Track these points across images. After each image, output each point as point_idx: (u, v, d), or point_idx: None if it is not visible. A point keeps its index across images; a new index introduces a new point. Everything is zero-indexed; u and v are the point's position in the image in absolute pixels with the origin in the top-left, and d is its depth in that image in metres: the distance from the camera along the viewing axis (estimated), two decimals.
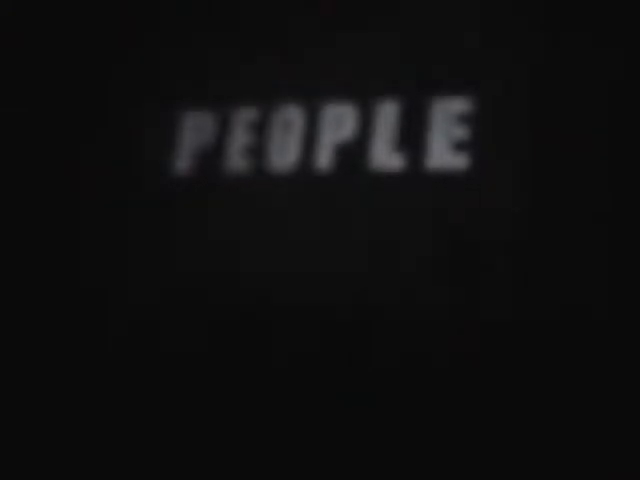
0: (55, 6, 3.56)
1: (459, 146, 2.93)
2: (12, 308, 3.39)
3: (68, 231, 3.47)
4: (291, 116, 3.22)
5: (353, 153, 3.09)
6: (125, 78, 3.53)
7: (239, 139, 3.30)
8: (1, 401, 3.27)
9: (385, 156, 3.05)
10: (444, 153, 2.95)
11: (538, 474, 2.57)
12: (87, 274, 3.38)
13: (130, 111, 3.49)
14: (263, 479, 2.91)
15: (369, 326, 2.89)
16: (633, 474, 2.47)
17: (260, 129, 3.27)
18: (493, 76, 2.91)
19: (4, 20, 3.58)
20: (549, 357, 2.62)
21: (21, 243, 3.49)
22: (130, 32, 3.53)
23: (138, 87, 3.52)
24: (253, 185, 3.23)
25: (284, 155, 3.20)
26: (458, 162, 2.92)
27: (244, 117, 3.31)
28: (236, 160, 3.27)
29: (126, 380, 3.20)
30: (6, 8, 3.58)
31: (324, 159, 3.13)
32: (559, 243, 2.69)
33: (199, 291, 3.19)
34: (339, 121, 3.15)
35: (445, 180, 2.91)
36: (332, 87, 3.17)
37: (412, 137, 3.00)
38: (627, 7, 2.74)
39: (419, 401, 2.78)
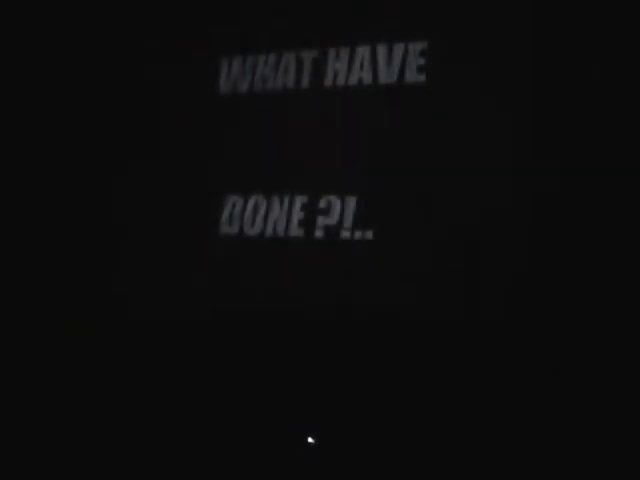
0: (55, 6, 3.57)
1: None
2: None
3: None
4: None
5: None
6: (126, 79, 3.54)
7: None
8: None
9: None
10: None
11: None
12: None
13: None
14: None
15: (369, 326, 2.89)
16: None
17: None
18: None
19: (4, 20, 3.59)
20: (548, 356, 2.62)
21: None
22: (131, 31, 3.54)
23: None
24: None
25: None
26: None
27: None
28: None
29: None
30: (6, 8, 3.59)
31: None
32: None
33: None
34: None
35: None
36: None
37: None
38: None
39: (419, 400, 2.78)
